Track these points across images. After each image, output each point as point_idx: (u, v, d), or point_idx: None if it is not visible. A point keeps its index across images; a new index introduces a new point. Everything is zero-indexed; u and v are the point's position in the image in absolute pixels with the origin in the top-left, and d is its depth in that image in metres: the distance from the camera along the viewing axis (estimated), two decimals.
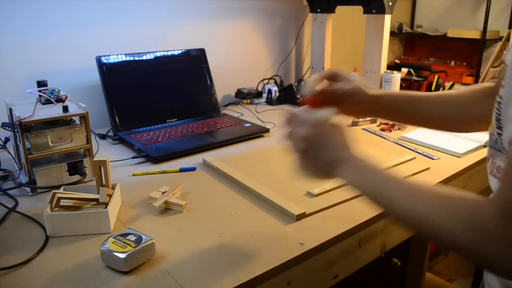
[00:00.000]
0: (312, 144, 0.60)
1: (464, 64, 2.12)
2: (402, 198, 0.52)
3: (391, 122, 1.32)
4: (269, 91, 1.61)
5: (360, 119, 1.33)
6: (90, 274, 0.58)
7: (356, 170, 0.58)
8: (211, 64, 1.42)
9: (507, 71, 0.52)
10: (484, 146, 1.10)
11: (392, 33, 2.13)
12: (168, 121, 1.29)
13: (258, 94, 1.61)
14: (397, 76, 1.48)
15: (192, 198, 0.80)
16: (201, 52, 1.42)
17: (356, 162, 0.59)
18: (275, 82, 1.72)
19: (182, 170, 0.95)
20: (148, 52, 1.30)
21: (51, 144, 0.83)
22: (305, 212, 0.74)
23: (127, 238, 0.61)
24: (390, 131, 1.26)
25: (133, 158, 1.03)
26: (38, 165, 0.84)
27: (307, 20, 1.83)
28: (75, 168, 0.87)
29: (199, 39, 1.51)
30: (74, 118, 0.88)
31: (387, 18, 1.47)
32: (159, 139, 1.12)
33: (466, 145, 1.08)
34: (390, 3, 1.45)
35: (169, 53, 1.34)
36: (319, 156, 0.61)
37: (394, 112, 0.76)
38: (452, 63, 2.17)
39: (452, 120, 0.76)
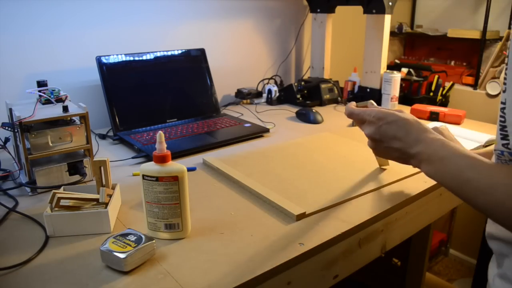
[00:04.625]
0: (378, 141, 0.62)
1: (464, 64, 2.12)
2: (487, 191, 0.51)
3: None
4: (269, 91, 1.61)
5: None
6: (90, 274, 0.58)
7: (429, 165, 0.57)
8: (211, 64, 1.42)
9: (507, 74, 0.51)
10: (484, 146, 1.10)
11: (392, 33, 2.14)
12: (168, 121, 1.29)
13: (258, 94, 1.61)
14: (397, 76, 1.48)
15: (192, 198, 0.80)
16: (201, 52, 1.42)
17: (429, 155, 0.57)
18: (275, 82, 1.72)
19: None
20: (148, 52, 1.30)
21: (51, 144, 0.83)
22: (305, 212, 0.74)
23: (127, 238, 0.61)
24: None
25: (133, 158, 1.03)
26: (38, 165, 0.84)
27: (307, 20, 1.83)
28: (75, 168, 0.87)
29: (199, 39, 1.51)
30: (74, 118, 0.88)
31: (387, 18, 1.47)
32: None
33: (466, 145, 1.08)
34: (390, 3, 1.45)
35: (169, 53, 1.34)
36: (389, 151, 0.62)
37: None
38: (452, 63, 2.17)
39: None
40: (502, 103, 0.51)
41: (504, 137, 0.52)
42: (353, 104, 0.69)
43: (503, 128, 0.52)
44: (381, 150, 0.64)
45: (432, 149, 0.57)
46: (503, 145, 0.52)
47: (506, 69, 0.50)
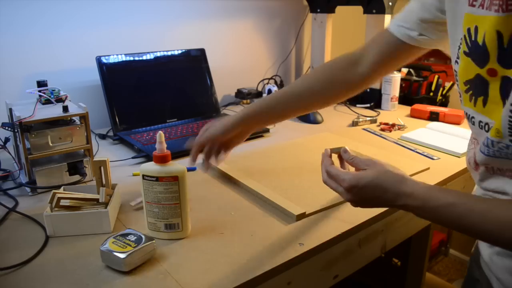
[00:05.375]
0: (362, 203, 0.61)
1: None
2: (481, 229, 0.52)
3: (391, 122, 1.32)
4: (269, 91, 1.61)
5: (360, 119, 1.33)
6: (90, 274, 0.58)
7: (422, 213, 0.57)
8: (211, 64, 1.42)
9: None
10: None
11: None
12: (168, 121, 1.29)
13: (258, 94, 1.61)
14: (397, 76, 1.48)
15: (192, 198, 0.80)
16: (201, 52, 1.42)
17: (418, 207, 0.56)
18: (275, 82, 1.72)
19: None
20: (148, 52, 1.30)
21: (51, 144, 0.83)
22: (305, 212, 0.74)
23: (127, 238, 0.61)
24: (390, 131, 1.26)
25: (133, 158, 1.03)
26: (38, 165, 0.84)
27: (307, 20, 1.83)
28: (75, 168, 0.87)
29: (199, 39, 1.51)
30: (74, 118, 0.88)
31: (387, 18, 1.47)
32: None
33: (466, 145, 1.08)
34: (390, 3, 1.45)
35: (169, 53, 1.34)
36: (375, 206, 0.62)
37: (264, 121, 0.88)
38: None
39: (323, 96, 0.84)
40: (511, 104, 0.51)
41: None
42: (328, 152, 0.68)
43: (511, 127, 0.52)
44: (368, 207, 0.63)
45: (419, 200, 0.56)
46: (510, 140, 0.53)
47: None
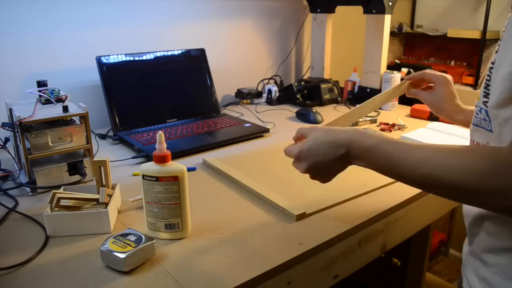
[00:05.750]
0: (315, 168, 0.62)
1: (464, 64, 2.12)
2: (416, 167, 0.52)
3: (391, 122, 1.32)
4: (269, 91, 1.61)
5: (360, 119, 1.33)
6: (90, 274, 0.58)
7: (360, 160, 0.59)
8: (211, 64, 1.42)
9: (503, 36, 0.54)
10: None
11: (392, 33, 2.14)
12: (168, 121, 1.29)
13: (258, 94, 1.61)
14: (397, 76, 1.48)
15: (192, 198, 0.80)
16: (201, 52, 1.42)
17: (358, 156, 0.58)
18: (275, 82, 1.72)
19: None
20: (148, 52, 1.30)
21: (51, 144, 0.83)
22: (305, 212, 0.74)
23: (127, 238, 0.61)
24: (390, 131, 1.26)
25: (133, 158, 1.03)
26: (38, 165, 0.84)
27: (307, 20, 1.83)
28: (75, 168, 0.87)
29: (199, 39, 1.51)
30: (74, 118, 0.88)
31: (387, 18, 1.47)
32: None
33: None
34: (390, 3, 1.45)
35: (169, 53, 1.34)
36: (327, 169, 0.63)
37: None
38: (452, 63, 2.17)
39: None
40: (492, 63, 0.55)
41: (486, 95, 0.55)
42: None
43: (487, 86, 0.55)
44: (324, 175, 0.63)
45: (357, 144, 0.58)
46: (483, 102, 0.56)
47: (504, 31, 0.54)
